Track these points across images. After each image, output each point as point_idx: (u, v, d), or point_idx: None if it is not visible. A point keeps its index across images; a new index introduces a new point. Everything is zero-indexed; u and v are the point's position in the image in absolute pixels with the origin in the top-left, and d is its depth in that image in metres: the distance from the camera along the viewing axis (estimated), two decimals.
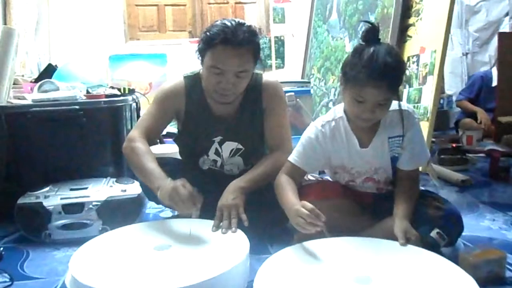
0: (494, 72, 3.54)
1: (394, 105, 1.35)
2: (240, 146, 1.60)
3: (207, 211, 1.47)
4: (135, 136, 1.50)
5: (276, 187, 1.39)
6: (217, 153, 1.61)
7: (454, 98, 4.06)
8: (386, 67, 1.21)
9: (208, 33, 1.43)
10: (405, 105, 1.41)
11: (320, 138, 1.39)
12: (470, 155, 2.77)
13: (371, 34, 1.27)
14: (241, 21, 1.46)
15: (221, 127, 1.58)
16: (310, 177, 1.55)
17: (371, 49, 1.23)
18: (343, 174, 1.46)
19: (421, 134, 1.42)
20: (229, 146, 1.60)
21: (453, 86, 4.26)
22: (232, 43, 1.38)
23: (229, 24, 1.41)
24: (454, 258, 1.22)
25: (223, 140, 1.59)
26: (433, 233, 1.28)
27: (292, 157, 1.42)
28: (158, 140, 2.46)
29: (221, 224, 1.35)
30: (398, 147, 1.38)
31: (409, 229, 1.24)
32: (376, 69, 1.20)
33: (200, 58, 1.47)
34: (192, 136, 1.61)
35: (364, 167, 1.42)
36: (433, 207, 1.34)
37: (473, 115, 3.49)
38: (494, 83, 3.50)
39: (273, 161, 1.52)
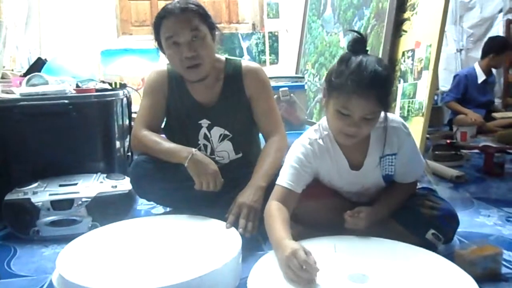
0: (477, 67, 3.56)
1: (382, 121, 1.24)
2: (227, 132, 1.61)
3: (199, 206, 1.45)
4: (138, 131, 1.55)
5: (265, 216, 1.24)
6: (206, 137, 1.61)
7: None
8: (376, 76, 1.11)
9: (154, 20, 1.51)
10: (393, 118, 1.30)
11: (311, 156, 1.29)
12: (464, 151, 2.76)
13: (359, 45, 1.19)
14: None
15: (204, 111, 1.60)
16: None
17: (360, 57, 1.15)
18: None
19: (414, 146, 1.34)
20: (217, 131, 1.61)
21: (447, 83, 4.24)
22: (174, 12, 1.46)
23: (169, 3, 1.50)
24: (450, 254, 1.20)
25: (211, 125, 1.60)
26: (429, 235, 1.27)
27: (283, 181, 1.27)
28: None
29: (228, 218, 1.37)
30: (390, 165, 1.31)
31: (366, 210, 1.26)
32: (365, 77, 1.11)
33: (159, 48, 1.54)
34: (178, 123, 1.62)
35: (354, 187, 1.36)
36: (427, 207, 1.30)
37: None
38: (480, 79, 3.52)
39: (276, 147, 1.54)
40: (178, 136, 1.61)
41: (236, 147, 1.63)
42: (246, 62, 1.65)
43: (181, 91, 1.60)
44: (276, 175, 1.36)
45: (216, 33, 1.56)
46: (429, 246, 1.25)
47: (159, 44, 1.53)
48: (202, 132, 1.60)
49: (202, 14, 1.50)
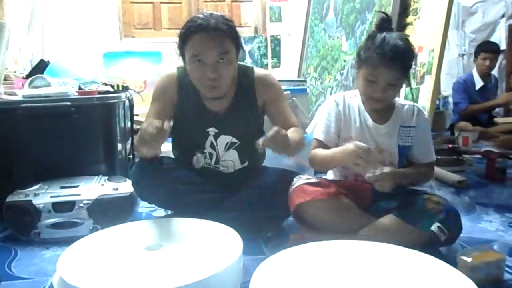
0: (475, 73, 3.55)
1: (408, 101, 1.49)
2: (234, 140, 1.59)
3: (200, 209, 1.45)
4: None
5: (312, 158, 1.46)
6: (212, 146, 1.59)
7: (450, 99, 4.05)
8: (396, 49, 1.32)
9: (183, 29, 1.46)
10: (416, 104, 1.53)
11: (336, 109, 1.48)
12: (466, 156, 2.76)
13: (385, 23, 1.40)
14: (213, 12, 1.49)
15: (213, 119, 1.57)
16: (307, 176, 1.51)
17: (383, 34, 1.35)
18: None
19: (430, 131, 1.51)
20: (224, 139, 1.58)
21: (449, 87, 4.25)
22: (206, 28, 1.41)
23: (201, 15, 1.45)
24: (452, 260, 1.20)
25: (218, 133, 1.58)
26: (434, 227, 1.30)
27: (318, 135, 1.48)
28: None
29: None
30: (407, 136, 1.46)
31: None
32: (387, 51, 1.32)
33: (181, 57, 1.49)
34: (185, 128, 1.60)
35: (371, 144, 1.43)
36: (433, 202, 1.36)
37: (471, 118, 3.49)
38: (477, 85, 3.51)
39: (299, 132, 1.50)
40: (185, 141, 1.60)
41: (242, 156, 1.60)
42: (257, 69, 1.63)
43: (192, 97, 1.56)
44: (298, 149, 1.45)
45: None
46: (433, 241, 1.30)
47: (182, 54, 1.48)
48: (209, 140, 1.58)
49: (232, 35, 1.46)
